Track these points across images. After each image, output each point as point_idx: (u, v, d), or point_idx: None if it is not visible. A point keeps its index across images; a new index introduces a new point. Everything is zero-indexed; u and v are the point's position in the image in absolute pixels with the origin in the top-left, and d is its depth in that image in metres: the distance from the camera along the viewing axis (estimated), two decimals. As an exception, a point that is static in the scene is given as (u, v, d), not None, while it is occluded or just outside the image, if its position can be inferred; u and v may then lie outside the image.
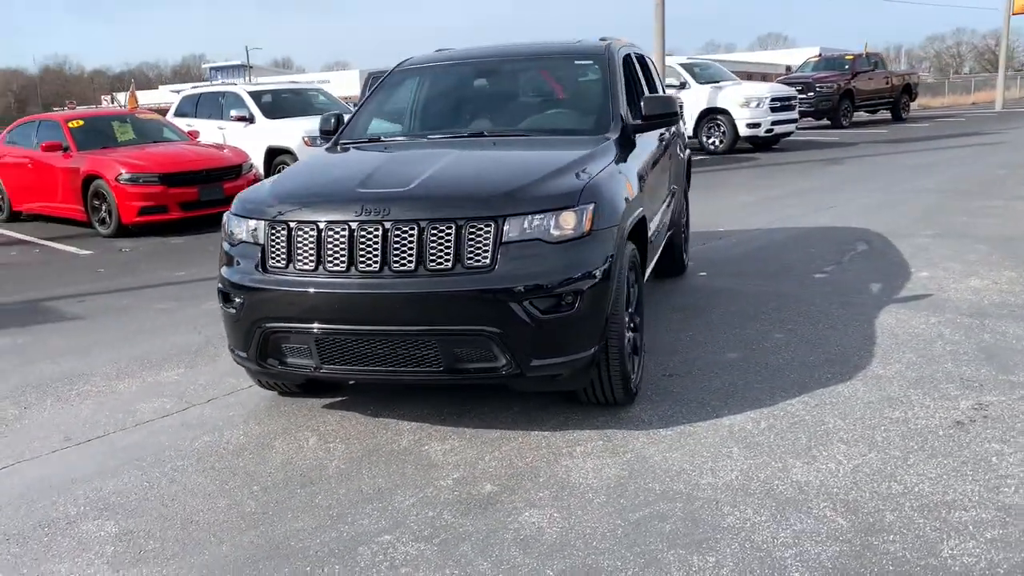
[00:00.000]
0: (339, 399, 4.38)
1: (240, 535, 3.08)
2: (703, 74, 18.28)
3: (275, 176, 4.41)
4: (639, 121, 4.66)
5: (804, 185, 11.85)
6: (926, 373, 4.27)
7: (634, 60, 5.48)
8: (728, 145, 17.20)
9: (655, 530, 2.94)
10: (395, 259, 3.47)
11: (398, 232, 3.47)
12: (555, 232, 3.49)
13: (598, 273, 3.55)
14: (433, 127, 4.93)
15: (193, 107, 14.18)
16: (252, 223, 3.78)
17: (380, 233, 3.49)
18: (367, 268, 3.50)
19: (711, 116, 17.36)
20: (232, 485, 3.49)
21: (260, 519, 3.19)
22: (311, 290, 3.55)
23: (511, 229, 3.45)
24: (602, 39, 5.46)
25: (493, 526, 3.03)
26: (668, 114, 4.72)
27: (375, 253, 3.50)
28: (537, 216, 3.48)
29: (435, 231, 3.45)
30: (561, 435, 3.77)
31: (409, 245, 3.46)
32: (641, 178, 4.49)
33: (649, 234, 4.58)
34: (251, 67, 78.26)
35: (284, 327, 3.65)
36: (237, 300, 3.75)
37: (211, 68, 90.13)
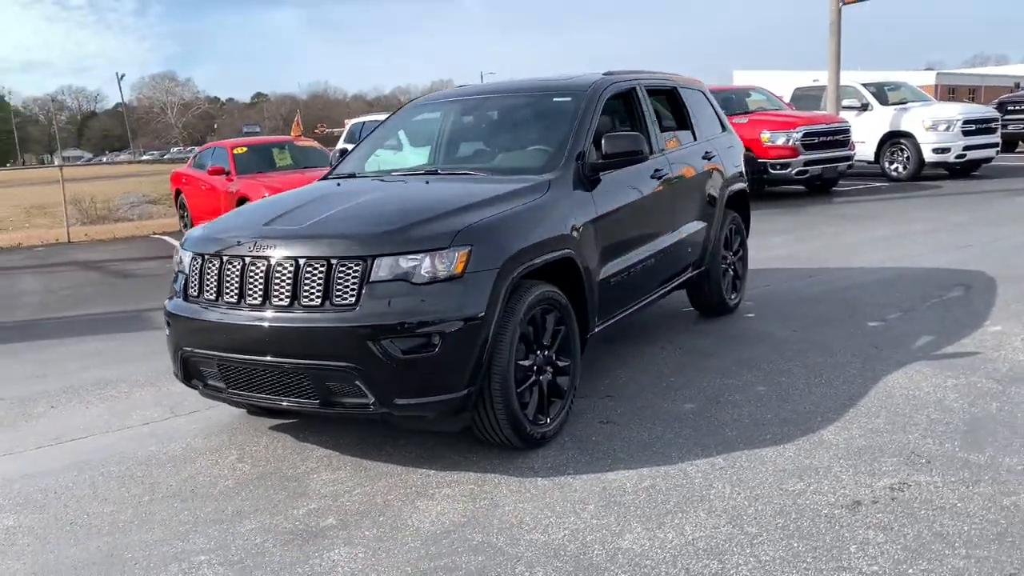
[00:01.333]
0: (287, 422, 4.62)
1: (95, 540, 3.38)
2: (890, 94, 16.99)
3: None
4: (603, 160, 4.54)
5: (957, 219, 10.73)
6: (877, 443, 3.84)
7: (639, 96, 5.32)
8: (912, 172, 15.83)
9: (432, 582, 2.92)
10: (275, 295, 3.67)
11: (279, 269, 3.67)
12: (424, 273, 3.53)
13: (468, 315, 3.54)
14: (391, 165, 5.11)
15: (357, 134, 15.14)
16: (184, 255, 4.12)
17: (264, 269, 3.70)
18: (253, 302, 3.72)
19: (894, 140, 16.07)
20: (132, 493, 3.82)
21: (124, 527, 3.48)
22: (211, 319, 3.82)
23: (380, 269, 3.53)
24: (607, 73, 5.37)
25: (297, 559, 3.12)
26: (631, 152, 4.57)
27: (259, 288, 3.71)
28: (407, 257, 3.54)
29: (310, 269, 3.61)
30: (443, 475, 3.78)
31: (287, 282, 3.64)
32: (599, 218, 4.41)
33: (601, 276, 4.46)
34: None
35: (196, 352, 3.95)
36: (167, 324, 4.10)
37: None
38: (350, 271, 3.55)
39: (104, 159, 79.20)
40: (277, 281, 3.67)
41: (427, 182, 4.57)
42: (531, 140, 4.88)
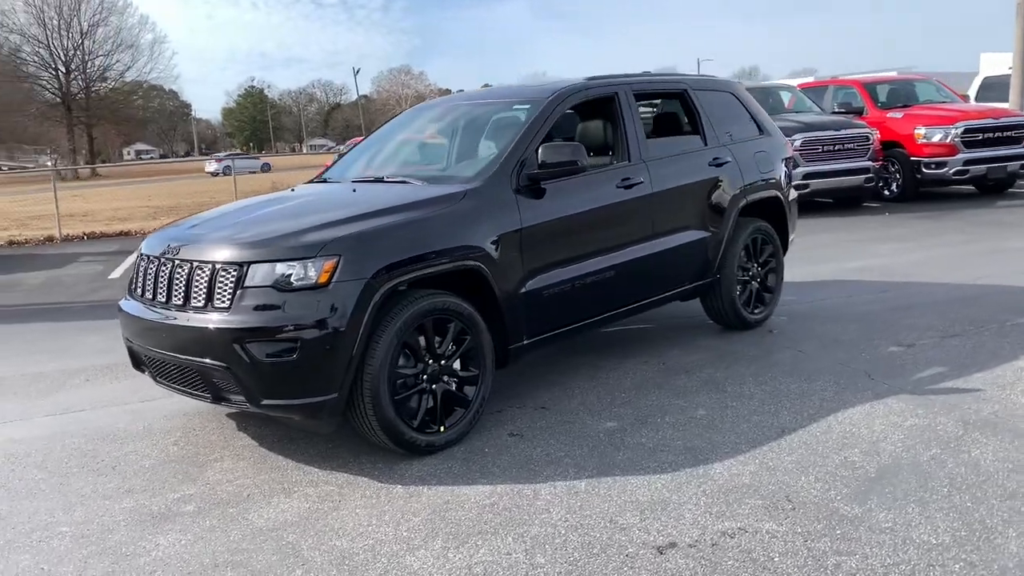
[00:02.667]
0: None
1: (3, 504, 3.85)
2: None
3: None
4: (540, 170, 4.49)
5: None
6: (760, 483, 3.57)
7: (621, 102, 5.17)
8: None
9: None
10: (174, 294, 3.98)
11: (178, 271, 3.98)
12: (292, 281, 3.70)
13: (329, 323, 3.68)
14: (358, 169, 5.27)
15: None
16: (136, 253, 4.55)
17: (169, 271, 4.03)
18: (159, 300, 4.05)
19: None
20: (68, 464, 4.28)
21: (35, 494, 3.92)
22: (138, 315, 4.21)
23: (254, 275, 3.74)
24: (590, 78, 5.27)
25: (131, 539, 3.40)
26: (568, 162, 4.48)
27: (163, 287, 4.04)
28: (277, 265, 3.72)
29: (199, 273, 3.89)
30: (321, 473, 3.95)
31: (183, 284, 3.94)
32: (528, 228, 4.39)
33: (530, 288, 4.42)
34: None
35: (133, 344, 4.36)
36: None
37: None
38: (228, 276, 3.79)
39: (342, 147, 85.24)
40: (176, 283, 3.97)
41: (354, 190, 4.72)
42: (482, 149, 4.89)
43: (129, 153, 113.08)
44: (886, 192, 13.21)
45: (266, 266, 3.73)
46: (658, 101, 6.07)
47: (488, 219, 4.27)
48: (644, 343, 5.85)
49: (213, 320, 3.77)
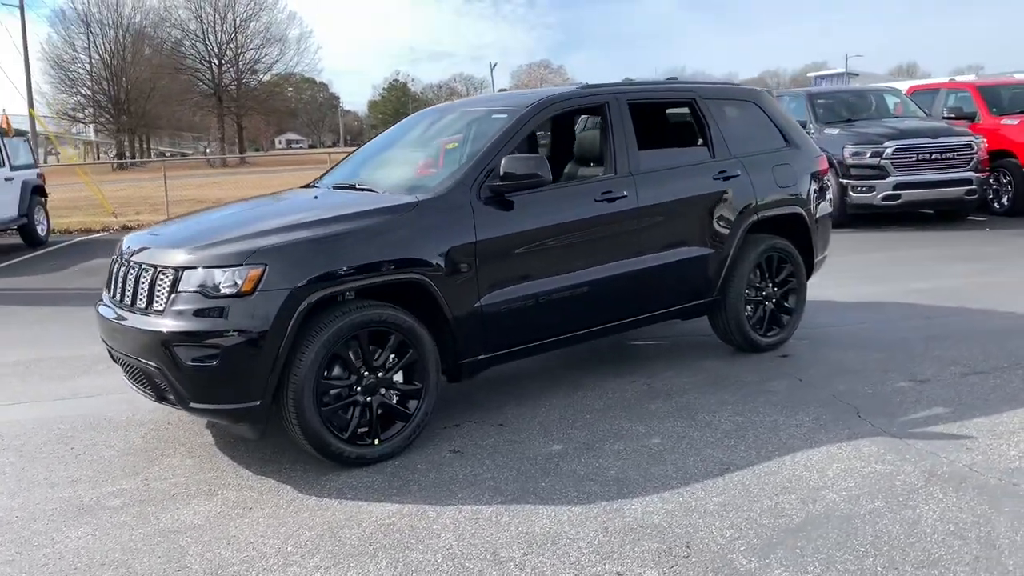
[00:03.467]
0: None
1: (-35, 484, 4.11)
2: None
3: None
4: (502, 183, 4.40)
5: None
6: (665, 524, 3.37)
7: (611, 112, 4.99)
8: None
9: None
10: (126, 296, 4.13)
11: (130, 274, 4.11)
12: (219, 288, 3.77)
13: (250, 331, 3.73)
14: (343, 175, 5.28)
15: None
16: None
17: (124, 273, 4.18)
18: (119, 300, 4.21)
19: None
20: (44, 449, 4.52)
21: (-5, 477, 4.18)
22: (100, 313, 4.39)
23: (186, 281, 3.83)
24: (585, 86, 5.13)
25: (46, 530, 3.56)
26: (530, 175, 4.37)
27: (120, 289, 4.20)
28: (206, 271, 3.80)
29: (144, 275, 4.02)
30: (251, 478, 4.02)
31: (132, 285, 4.08)
32: (484, 242, 4.31)
33: (487, 302, 4.34)
34: (855, 75, 76.67)
35: (104, 341, 4.55)
36: None
37: (816, 76, 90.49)
38: (166, 280, 3.89)
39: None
40: (129, 285, 4.11)
41: (315, 197, 4.74)
42: (456, 158, 4.82)
43: (280, 142, 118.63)
44: (996, 205, 12.22)
45: (198, 272, 3.81)
46: (664, 111, 5.82)
47: (438, 231, 4.21)
48: (641, 361, 5.65)
49: (150, 323, 3.89)
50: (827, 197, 6.16)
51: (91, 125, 67.13)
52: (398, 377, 4.15)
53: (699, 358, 5.65)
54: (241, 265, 3.76)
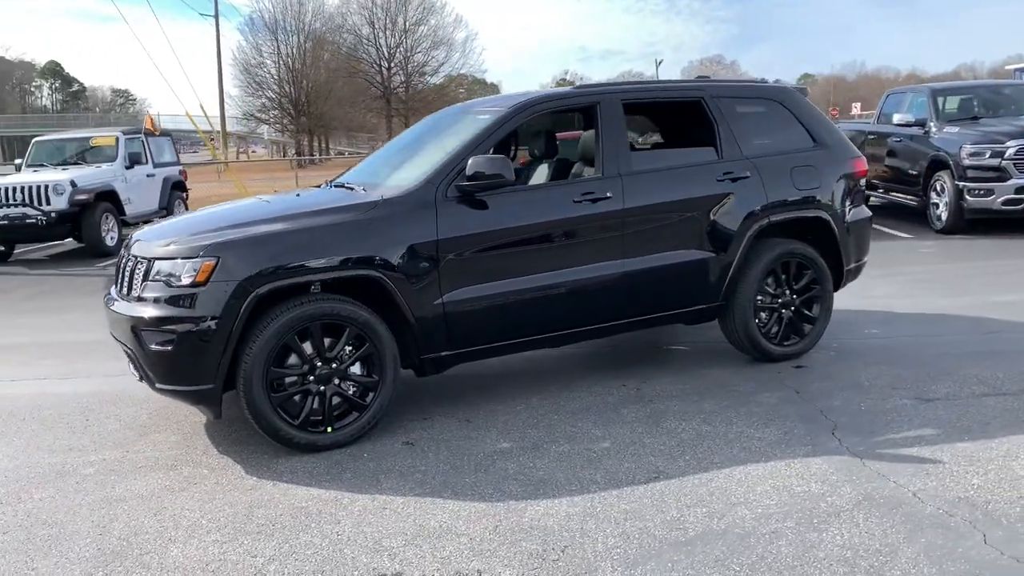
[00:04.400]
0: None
1: (-15, 446, 4.65)
2: None
3: None
4: (467, 182, 4.48)
5: None
6: (555, 528, 3.37)
7: (602, 113, 4.94)
8: None
9: None
10: (123, 286, 4.49)
11: (127, 264, 4.48)
12: (182, 279, 4.08)
13: (203, 320, 4.01)
14: (345, 176, 5.48)
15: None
16: None
17: (122, 264, 4.56)
18: (117, 290, 4.60)
19: None
20: (29, 421, 5.02)
21: None
22: (104, 302, 4.81)
23: (156, 271, 4.16)
24: (580, 86, 5.12)
25: (8, 498, 3.99)
26: (492, 175, 4.42)
27: (117, 279, 4.59)
28: (172, 262, 4.12)
29: (130, 265, 4.38)
30: (211, 456, 4.31)
31: (126, 275, 4.45)
32: (448, 240, 4.42)
33: (450, 299, 4.43)
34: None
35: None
36: None
37: (1016, 69, 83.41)
38: (141, 270, 4.24)
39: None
40: (125, 274, 4.48)
41: (297, 195, 4.97)
42: (435, 157, 4.91)
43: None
44: None
45: (165, 263, 4.13)
46: (669, 111, 5.67)
47: (398, 229, 4.34)
48: (645, 365, 5.54)
49: (127, 308, 4.24)
50: (863, 200, 5.81)
51: (274, 126, 71.68)
52: (356, 369, 4.31)
53: (708, 366, 5.49)
54: (197, 257, 4.04)
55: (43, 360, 6.44)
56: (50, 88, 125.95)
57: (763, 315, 5.40)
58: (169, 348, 4.03)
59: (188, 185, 15.41)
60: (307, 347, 4.19)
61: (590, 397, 4.94)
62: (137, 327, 4.11)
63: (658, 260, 4.99)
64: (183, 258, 4.08)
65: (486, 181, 4.44)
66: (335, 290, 4.29)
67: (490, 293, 4.55)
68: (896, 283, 7.85)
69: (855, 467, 3.80)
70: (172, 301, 4.05)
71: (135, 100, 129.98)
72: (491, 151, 4.78)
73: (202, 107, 28.45)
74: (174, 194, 14.52)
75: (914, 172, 11.48)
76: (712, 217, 5.13)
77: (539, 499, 3.62)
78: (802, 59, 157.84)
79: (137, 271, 4.26)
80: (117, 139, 13.26)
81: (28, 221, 11.49)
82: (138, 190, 13.35)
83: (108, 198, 12.33)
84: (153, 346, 4.08)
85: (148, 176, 13.80)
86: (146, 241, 4.45)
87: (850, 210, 5.65)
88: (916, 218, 11.51)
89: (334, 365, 4.24)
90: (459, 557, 3.16)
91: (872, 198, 12.15)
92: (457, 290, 4.46)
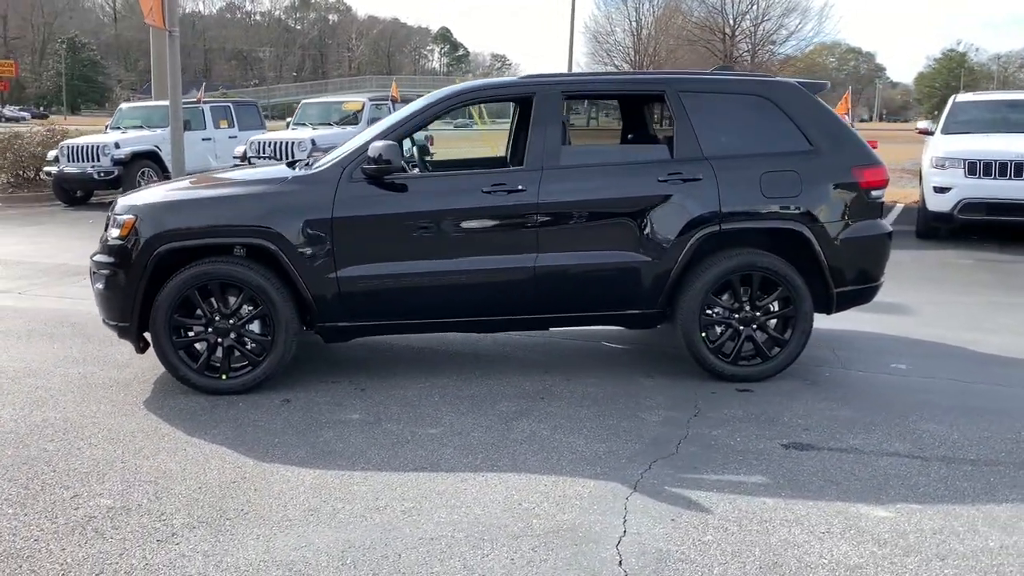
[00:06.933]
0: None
1: None
2: None
3: None
4: (369, 165, 4.73)
5: None
6: (348, 522, 3.66)
7: (536, 105, 4.88)
8: None
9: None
10: (106, 237, 5.41)
11: None
12: (114, 232, 4.85)
13: (119, 268, 4.76)
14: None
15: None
16: None
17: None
18: None
19: None
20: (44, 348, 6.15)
21: None
22: None
23: (111, 224, 5.00)
24: (526, 76, 5.10)
25: (-3, 386, 5.08)
26: (383, 160, 4.63)
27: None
28: (115, 217, 4.92)
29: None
30: (171, 401, 5.10)
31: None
32: (343, 220, 4.74)
33: (345, 275, 4.71)
34: None
35: None
36: None
37: None
38: (107, 223, 5.11)
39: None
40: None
41: (252, 163, 5.47)
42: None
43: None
44: None
45: (116, 218, 4.94)
46: (629, 104, 5.32)
47: (296, 204, 4.74)
48: (592, 363, 5.41)
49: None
50: (876, 213, 5.08)
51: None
52: (255, 328, 4.82)
53: (651, 373, 5.21)
54: (125, 215, 4.79)
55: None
56: (440, 52, 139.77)
57: (717, 329, 5.00)
58: (101, 287, 4.84)
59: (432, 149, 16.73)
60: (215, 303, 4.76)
61: (491, 386, 4.97)
62: (91, 269, 4.97)
63: (577, 259, 4.85)
64: (118, 214, 4.85)
65: (380, 166, 4.66)
66: (253, 257, 4.79)
67: (385, 273, 4.78)
68: (965, 315, 6.71)
69: (609, 499, 3.56)
70: (107, 249, 4.85)
71: (510, 65, 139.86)
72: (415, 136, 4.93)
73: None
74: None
75: None
76: (648, 220, 4.85)
77: (298, 466, 3.86)
78: None
79: (106, 225, 5.12)
80: (363, 105, 14.83)
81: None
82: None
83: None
84: (95, 285, 4.91)
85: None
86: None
87: (849, 224, 4.97)
88: None
89: (232, 321, 4.78)
90: (238, 536, 3.56)
91: None
92: (352, 267, 4.75)
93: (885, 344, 5.87)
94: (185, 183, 5.20)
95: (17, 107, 71.16)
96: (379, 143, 4.68)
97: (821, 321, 5.37)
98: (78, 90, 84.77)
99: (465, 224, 4.82)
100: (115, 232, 4.80)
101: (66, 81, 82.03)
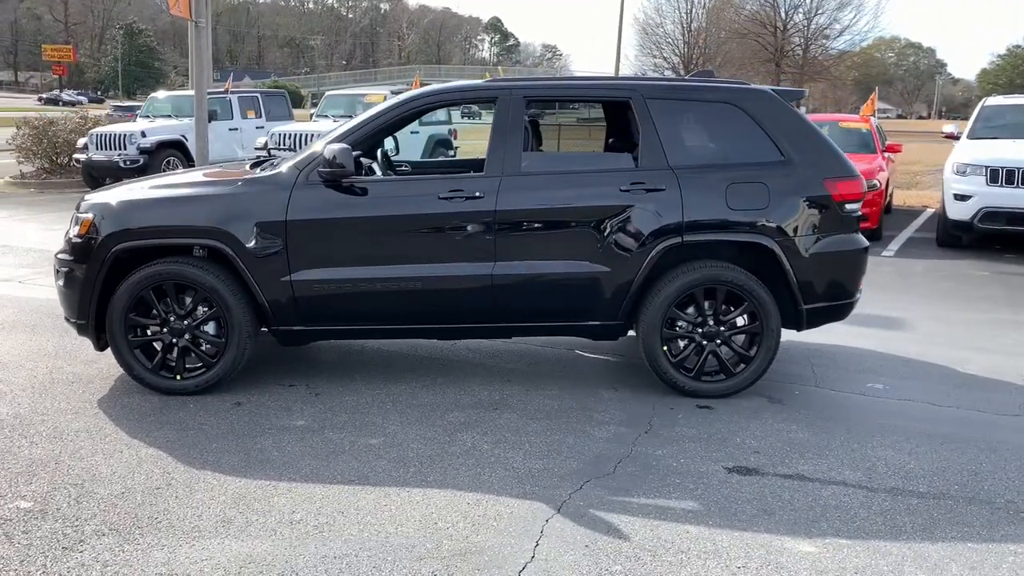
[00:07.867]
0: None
1: None
2: None
3: None
4: (324, 168, 4.67)
5: None
6: (254, 525, 3.64)
7: (498, 109, 4.78)
8: None
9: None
10: (81, 227, 5.46)
11: None
12: (74, 229, 4.88)
13: (75, 266, 4.79)
14: None
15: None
16: None
17: None
18: None
19: None
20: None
21: None
22: None
23: (72, 220, 5.04)
24: (492, 80, 5.01)
25: (-36, 379, 5.15)
26: (336, 164, 4.57)
27: (87, 220, 5.57)
28: (77, 215, 4.95)
29: (78, 214, 5.32)
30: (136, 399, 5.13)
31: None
32: (296, 223, 4.69)
33: (298, 278, 4.66)
34: None
35: None
36: None
37: None
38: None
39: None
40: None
41: (221, 168, 5.45)
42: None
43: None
44: None
45: (77, 216, 4.96)
46: (594, 111, 5.18)
47: (250, 207, 4.71)
48: (560, 374, 5.30)
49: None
50: (851, 228, 4.89)
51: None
52: (210, 329, 4.81)
53: (616, 386, 5.10)
54: (84, 213, 4.81)
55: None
56: (490, 42, 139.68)
57: (680, 343, 4.87)
58: (62, 284, 4.87)
59: (455, 143, 16.67)
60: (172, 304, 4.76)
61: (447, 394, 4.91)
62: (54, 265, 5.01)
63: (535, 268, 4.75)
64: (80, 213, 4.87)
65: (334, 169, 4.60)
66: (212, 258, 4.78)
67: (340, 278, 4.73)
68: (974, 336, 6.42)
69: (528, 521, 3.47)
70: (68, 247, 4.87)
71: (561, 55, 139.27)
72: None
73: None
74: (437, 150, 15.85)
75: None
76: (608, 230, 4.72)
77: (232, 475, 3.85)
78: None
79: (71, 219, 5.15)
80: (385, 97, 14.80)
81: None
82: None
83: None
84: (57, 281, 4.95)
85: (412, 133, 15.22)
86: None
87: (820, 239, 4.80)
88: None
89: (186, 322, 4.77)
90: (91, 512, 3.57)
91: None
92: (306, 270, 4.71)
93: (868, 361, 5.67)
94: (147, 183, 5.20)
95: (75, 91, 72.71)
96: (334, 146, 4.63)
97: (807, 334, 5.22)
98: (135, 75, 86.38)
99: (419, 230, 4.75)
100: (75, 230, 4.82)
101: (123, 67, 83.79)
